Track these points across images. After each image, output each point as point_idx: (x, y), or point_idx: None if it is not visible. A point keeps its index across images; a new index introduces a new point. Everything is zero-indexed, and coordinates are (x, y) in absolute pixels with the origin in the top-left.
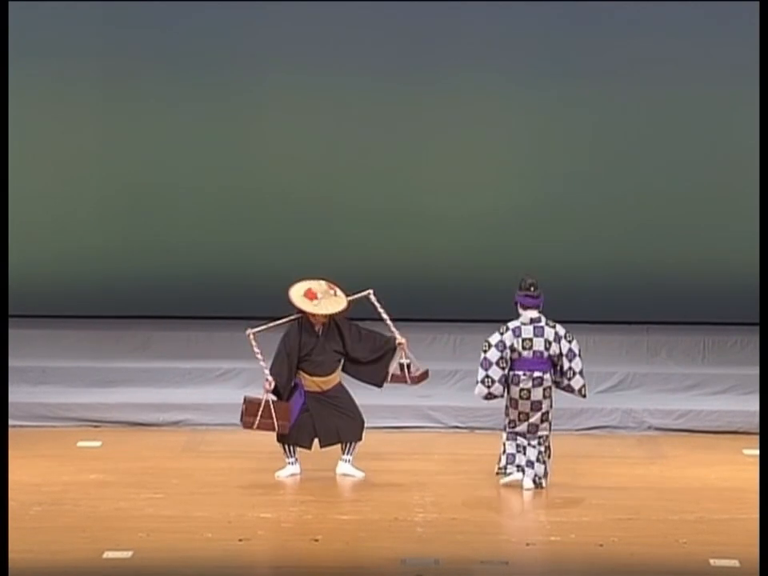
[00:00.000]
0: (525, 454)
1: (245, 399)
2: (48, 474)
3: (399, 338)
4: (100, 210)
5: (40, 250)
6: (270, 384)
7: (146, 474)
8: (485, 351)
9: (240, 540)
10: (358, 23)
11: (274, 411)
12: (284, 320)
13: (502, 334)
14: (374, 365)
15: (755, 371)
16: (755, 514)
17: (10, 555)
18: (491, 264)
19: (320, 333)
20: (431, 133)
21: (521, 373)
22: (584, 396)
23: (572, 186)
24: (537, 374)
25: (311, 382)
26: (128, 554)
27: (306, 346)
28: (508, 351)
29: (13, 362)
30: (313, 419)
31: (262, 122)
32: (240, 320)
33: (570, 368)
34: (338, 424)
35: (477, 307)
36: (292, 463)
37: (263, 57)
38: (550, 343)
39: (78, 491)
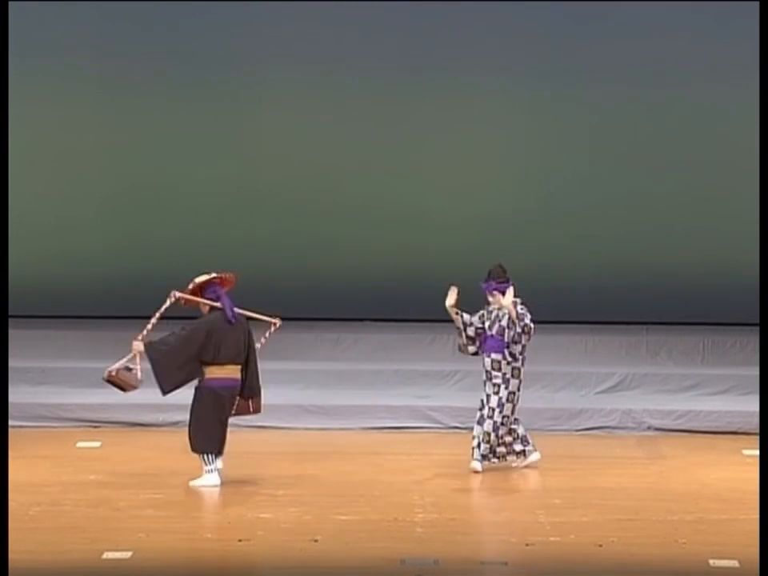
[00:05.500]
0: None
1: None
2: (47, 474)
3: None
4: (100, 210)
5: (40, 250)
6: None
7: (146, 474)
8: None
9: (240, 540)
10: (357, 23)
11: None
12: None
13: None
14: None
15: (754, 372)
16: (755, 515)
17: (10, 555)
18: (491, 264)
19: None
20: (431, 133)
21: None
22: None
23: (571, 186)
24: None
25: None
26: (127, 555)
27: None
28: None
29: (13, 362)
30: None
31: (262, 122)
32: None
33: None
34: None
35: (476, 307)
36: (209, 471)
37: (263, 57)
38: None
39: (77, 491)
